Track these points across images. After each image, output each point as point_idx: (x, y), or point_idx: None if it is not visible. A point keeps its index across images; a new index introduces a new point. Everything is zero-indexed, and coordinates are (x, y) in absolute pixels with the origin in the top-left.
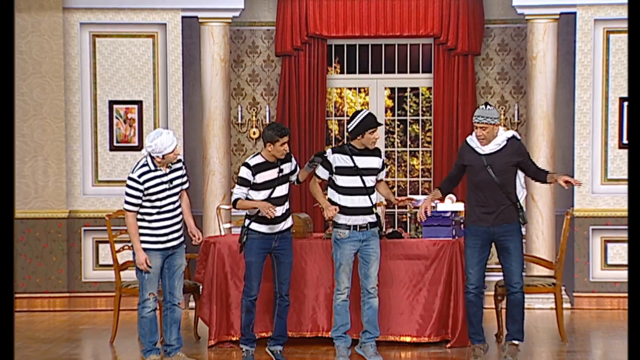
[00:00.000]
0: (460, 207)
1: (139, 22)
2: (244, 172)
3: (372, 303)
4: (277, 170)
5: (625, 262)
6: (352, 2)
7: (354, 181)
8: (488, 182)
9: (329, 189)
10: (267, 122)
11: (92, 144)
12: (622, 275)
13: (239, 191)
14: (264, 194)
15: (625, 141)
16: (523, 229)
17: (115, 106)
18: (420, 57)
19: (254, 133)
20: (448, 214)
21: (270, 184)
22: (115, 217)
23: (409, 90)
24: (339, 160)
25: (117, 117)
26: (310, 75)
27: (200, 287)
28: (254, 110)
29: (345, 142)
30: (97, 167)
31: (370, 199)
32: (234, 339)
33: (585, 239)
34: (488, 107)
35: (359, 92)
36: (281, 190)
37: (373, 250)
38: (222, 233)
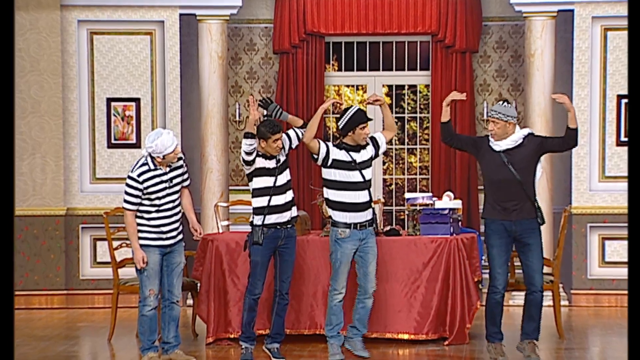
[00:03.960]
0: (458, 204)
1: (137, 20)
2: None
3: (367, 303)
4: (274, 160)
5: (623, 259)
6: (350, 0)
7: (354, 176)
8: (509, 179)
9: (325, 189)
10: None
11: (89, 142)
12: (620, 272)
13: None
14: (266, 180)
15: (623, 138)
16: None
17: (113, 103)
18: (418, 54)
19: None
20: (446, 211)
21: (271, 172)
22: (113, 214)
23: (406, 87)
24: (338, 154)
25: (114, 115)
26: (308, 73)
27: (198, 284)
28: None
29: (338, 141)
30: (95, 165)
31: (369, 193)
32: (231, 336)
33: (583, 236)
34: (505, 104)
35: (357, 89)
36: (282, 178)
37: (371, 248)
38: (220, 230)
